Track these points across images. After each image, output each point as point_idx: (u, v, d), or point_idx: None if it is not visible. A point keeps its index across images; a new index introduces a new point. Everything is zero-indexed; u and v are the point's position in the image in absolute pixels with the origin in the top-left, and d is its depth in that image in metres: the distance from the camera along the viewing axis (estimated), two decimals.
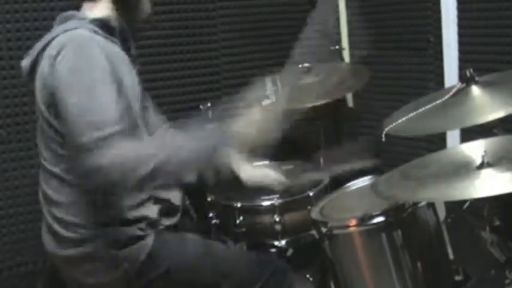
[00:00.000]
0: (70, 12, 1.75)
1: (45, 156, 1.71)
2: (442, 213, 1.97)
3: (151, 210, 1.75)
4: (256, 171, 2.01)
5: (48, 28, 1.81)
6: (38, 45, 1.68)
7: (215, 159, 1.62)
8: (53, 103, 1.60)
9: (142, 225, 1.72)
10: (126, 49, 1.78)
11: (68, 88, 1.55)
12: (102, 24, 1.70)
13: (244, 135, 1.66)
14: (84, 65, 1.56)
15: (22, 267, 2.56)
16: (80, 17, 1.73)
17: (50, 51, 1.62)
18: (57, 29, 1.68)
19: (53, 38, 1.64)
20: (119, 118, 1.52)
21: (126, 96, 1.64)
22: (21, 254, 2.55)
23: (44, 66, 1.63)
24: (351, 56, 3.21)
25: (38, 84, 1.66)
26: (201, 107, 2.65)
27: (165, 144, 1.61)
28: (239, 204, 2.20)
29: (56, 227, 1.70)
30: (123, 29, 1.76)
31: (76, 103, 1.52)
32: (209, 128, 1.63)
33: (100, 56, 1.58)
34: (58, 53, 1.59)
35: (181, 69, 2.87)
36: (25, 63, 1.73)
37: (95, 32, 1.66)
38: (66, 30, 1.65)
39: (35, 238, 2.48)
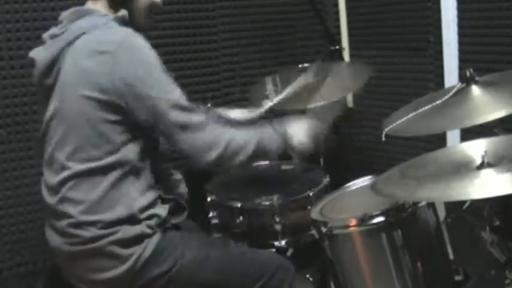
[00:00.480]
0: (83, 8, 1.76)
1: (76, 156, 1.69)
2: (442, 213, 1.97)
3: (162, 209, 1.76)
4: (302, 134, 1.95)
5: (48, 28, 1.81)
6: (62, 39, 1.69)
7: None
8: (113, 98, 1.64)
9: (152, 222, 1.72)
10: None
11: (148, 83, 1.66)
12: (123, 22, 1.74)
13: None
14: (148, 58, 1.69)
15: (22, 267, 2.56)
16: (103, 13, 1.74)
17: (94, 46, 1.65)
18: (81, 24, 1.70)
19: (83, 33, 1.66)
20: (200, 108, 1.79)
21: None
22: (21, 254, 2.54)
23: (85, 60, 1.65)
24: (351, 56, 3.21)
25: (77, 79, 1.66)
26: (201, 107, 2.65)
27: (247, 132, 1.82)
28: (239, 204, 2.20)
29: (66, 225, 1.71)
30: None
31: (164, 95, 1.67)
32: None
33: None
34: (114, 51, 1.63)
35: (181, 69, 2.87)
36: (44, 55, 1.72)
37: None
38: (94, 27, 1.68)
39: (35, 238, 2.49)
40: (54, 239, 1.76)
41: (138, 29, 1.77)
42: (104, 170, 1.69)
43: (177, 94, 1.70)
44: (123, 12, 1.76)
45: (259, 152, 1.82)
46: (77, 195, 1.69)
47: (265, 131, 1.86)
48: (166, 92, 1.69)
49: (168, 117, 1.67)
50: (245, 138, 1.79)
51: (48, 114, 1.74)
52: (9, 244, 2.53)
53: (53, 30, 1.75)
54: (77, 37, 1.67)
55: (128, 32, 1.70)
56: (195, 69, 2.90)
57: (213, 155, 1.72)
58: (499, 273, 1.74)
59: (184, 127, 1.69)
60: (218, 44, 2.96)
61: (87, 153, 1.68)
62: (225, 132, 1.76)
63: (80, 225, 1.69)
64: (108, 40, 1.66)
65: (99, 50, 1.65)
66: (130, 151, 1.70)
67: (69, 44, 1.68)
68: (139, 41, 1.69)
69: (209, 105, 2.61)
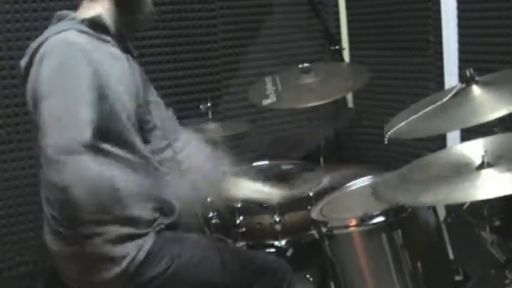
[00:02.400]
0: (64, 12, 1.74)
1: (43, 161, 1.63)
2: (442, 213, 1.97)
3: (145, 210, 1.74)
4: (249, 188, 1.92)
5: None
6: (33, 46, 1.67)
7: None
8: (36, 106, 1.58)
9: (141, 224, 1.71)
10: (124, 48, 1.78)
11: (45, 94, 1.52)
12: (93, 24, 1.69)
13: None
14: (62, 71, 1.54)
15: (22, 267, 2.56)
16: (72, 17, 1.71)
17: (40, 54, 1.61)
18: (49, 30, 1.68)
19: (46, 39, 1.63)
20: (90, 132, 1.47)
21: (111, 101, 1.64)
22: (21, 254, 2.55)
23: (34, 68, 1.62)
24: (351, 56, 3.21)
25: (28, 85, 1.64)
26: (201, 107, 2.65)
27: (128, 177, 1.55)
28: (239, 204, 2.20)
29: (56, 225, 1.70)
30: (119, 28, 1.76)
31: (49, 110, 1.49)
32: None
33: (81, 61, 1.57)
34: (42, 57, 1.58)
35: (181, 69, 2.87)
36: (23, 63, 1.70)
37: (84, 32, 1.66)
38: (56, 33, 1.64)
39: (35, 238, 2.50)
40: (49, 241, 1.76)
41: (123, 34, 1.76)
42: None
43: (77, 125, 1.47)
44: (95, 12, 1.71)
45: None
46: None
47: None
48: (63, 118, 1.48)
49: (49, 148, 1.45)
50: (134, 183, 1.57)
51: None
52: (9, 244, 2.53)
53: None
54: (41, 44, 1.63)
55: (60, 39, 1.62)
56: (195, 69, 2.90)
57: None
58: (499, 273, 1.75)
59: (60, 158, 1.43)
60: (218, 44, 2.96)
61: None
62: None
63: (66, 224, 1.67)
64: (44, 47, 1.61)
65: (38, 57, 1.61)
66: None
67: (36, 50, 1.63)
68: (68, 53, 1.59)
69: (209, 104, 2.61)
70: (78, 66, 1.57)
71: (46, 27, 1.82)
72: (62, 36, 1.63)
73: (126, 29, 1.79)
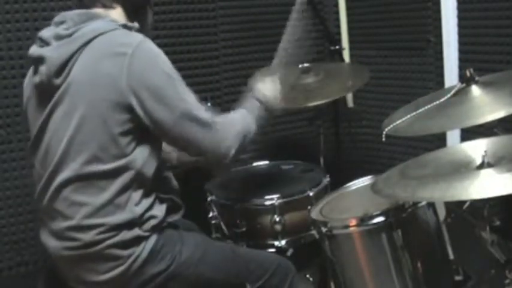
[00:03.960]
0: (91, 11, 1.74)
1: (83, 157, 1.66)
2: (442, 213, 1.97)
3: (159, 210, 1.76)
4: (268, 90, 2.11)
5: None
6: (76, 39, 1.66)
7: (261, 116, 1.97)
8: (129, 100, 1.64)
9: (149, 225, 1.72)
10: None
11: (168, 85, 1.70)
12: (129, 29, 1.74)
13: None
14: (164, 60, 1.72)
15: (22, 267, 2.56)
16: (112, 19, 1.73)
17: (112, 47, 1.65)
18: (96, 26, 1.68)
19: (99, 35, 1.66)
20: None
21: None
22: (21, 254, 2.55)
23: (102, 61, 1.64)
24: (351, 56, 3.21)
25: (93, 80, 1.64)
26: None
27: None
28: (239, 204, 2.20)
29: (65, 228, 1.70)
30: None
31: (182, 95, 1.73)
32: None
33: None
34: (131, 53, 1.63)
35: (181, 69, 2.85)
36: (57, 54, 1.67)
37: None
38: (108, 30, 1.67)
39: (35, 238, 2.49)
40: (52, 244, 1.75)
41: None
42: (113, 175, 1.67)
43: (192, 95, 1.76)
44: (135, 24, 1.76)
45: (257, 128, 1.92)
46: (82, 198, 1.68)
47: (249, 106, 1.98)
48: (184, 92, 1.73)
49: (193, 114, 1.71)
50: (246, 121, 1.88)
51: (49, 115, 1.71)
52: (9, 244, 2.53)
53: (55, 30, 1.71)
54: (93, 38, 1.66)
55: (143, 36, 1.71)
56: (195, 69, 2.90)
57: (232, 150, 1.78)
58: (499, 273, 1.74)
59: (206, 124, 1.73)
60: (218, 44, 2.96)
61: (95, 155, 1.65)
62: (235, 124, 1.84)
63: (79, 228, 1.68)
64: (126, 42, 1.66)
65: (116, 52, 1.64)
66: (138, 156, 1.69)
67: (85, 44, 1.66)
68: (154, 46, 1.71)
69: (209, 104, 2.61)
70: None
71: (46, 27, 1.81)
72: (132, 33, 1.72)
73: None
